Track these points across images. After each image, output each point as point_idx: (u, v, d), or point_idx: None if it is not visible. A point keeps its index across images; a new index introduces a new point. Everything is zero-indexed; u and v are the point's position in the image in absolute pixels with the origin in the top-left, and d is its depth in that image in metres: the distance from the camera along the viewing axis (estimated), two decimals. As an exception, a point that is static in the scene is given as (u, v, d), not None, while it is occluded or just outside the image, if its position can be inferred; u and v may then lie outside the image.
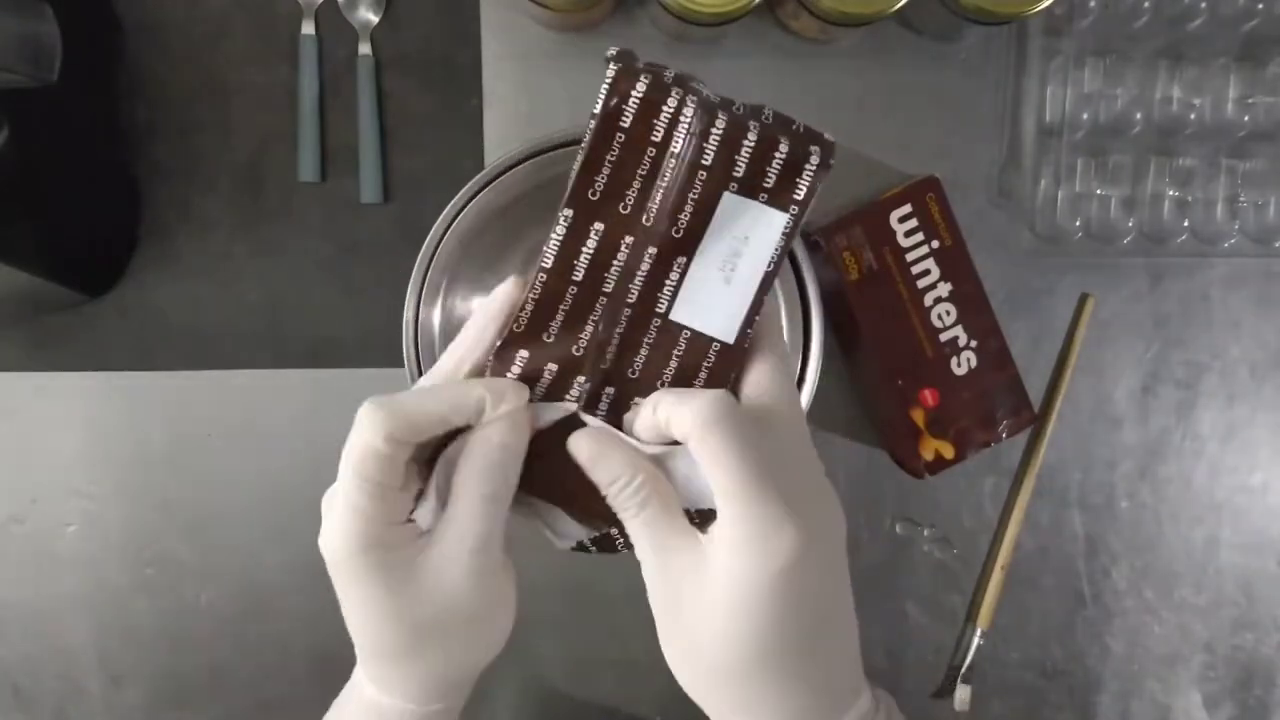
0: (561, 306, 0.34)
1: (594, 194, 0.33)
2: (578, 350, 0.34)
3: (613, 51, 0.33)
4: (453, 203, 0.52)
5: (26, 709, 0.62)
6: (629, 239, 0.33)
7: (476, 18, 0.59)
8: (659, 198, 0.33)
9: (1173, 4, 0.59)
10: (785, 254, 0.34)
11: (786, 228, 0.33)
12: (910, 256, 0.56)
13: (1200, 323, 0.63)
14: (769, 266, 0.34)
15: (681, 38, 0.59)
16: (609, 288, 0.34)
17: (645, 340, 0.34)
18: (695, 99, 0.34)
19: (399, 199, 0.60)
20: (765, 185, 0.33)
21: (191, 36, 0.59)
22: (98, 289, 0.59)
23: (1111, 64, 0.60)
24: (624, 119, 0.33)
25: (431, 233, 0.53)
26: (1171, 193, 0.61)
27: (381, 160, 0.59)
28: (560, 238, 0.33)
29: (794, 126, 0.34)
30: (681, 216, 0.33)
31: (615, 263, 0.34)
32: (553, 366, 0.34)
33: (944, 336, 0.57)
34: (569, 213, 0.33)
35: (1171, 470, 0.64)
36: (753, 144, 0.33)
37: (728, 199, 0.33)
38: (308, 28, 0.58)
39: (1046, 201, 0.61)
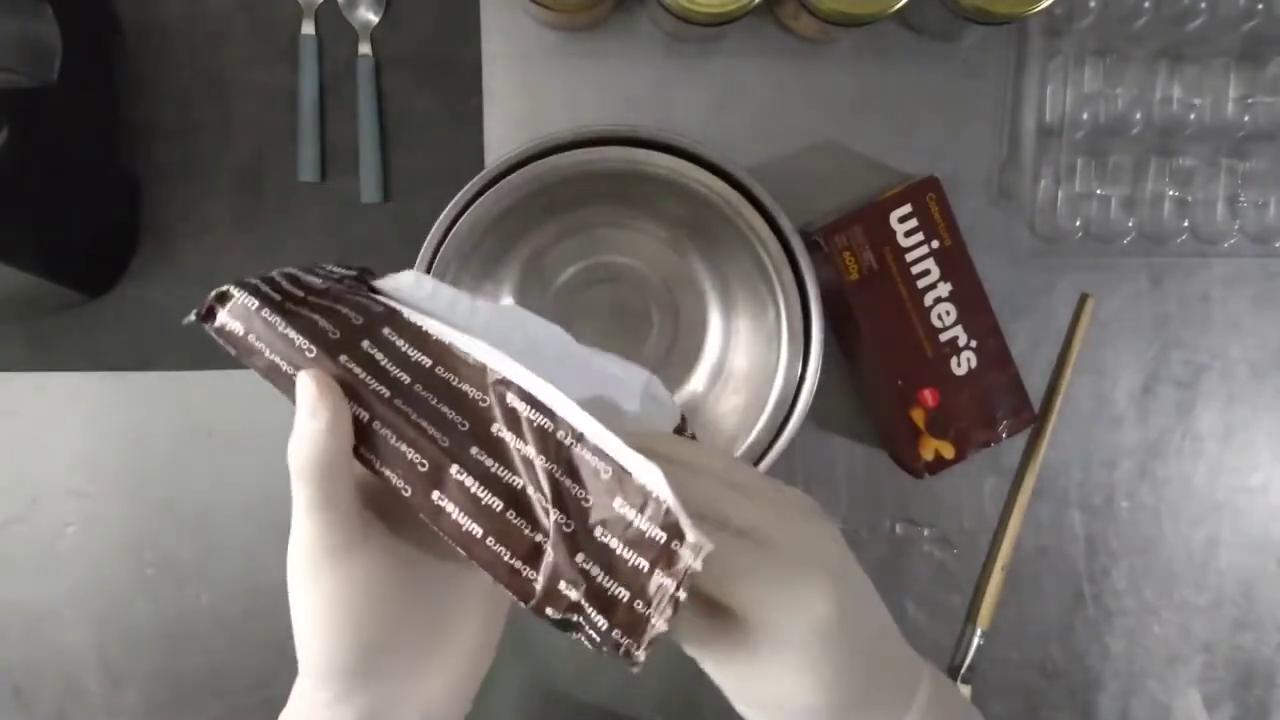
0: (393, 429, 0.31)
1: (334, 334, 0.31)
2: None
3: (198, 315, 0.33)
4: (453, 203, 0.52)
5: (26, 709, 0.62)
6: (365, 342, 0.32)
7: (476, 18, 0.59)
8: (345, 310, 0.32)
9: (1173, 4, 0.59)
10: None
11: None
12: (910, 256, 0.56)
13: (1200, 323, 0.63)
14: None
15: (681, 38, 0.59)
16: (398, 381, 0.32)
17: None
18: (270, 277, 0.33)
19: (399, 199, 0.60)
20: None
21: (191, 37, 0.59)
22: (98, 289, 0.59)
23: (1111, 64, 0.60)
24: (260, 308, 0.32)
25: (431, 233, 0.53)
26: (1171, 193, 0.61)
27: (381, 160, 0.59)
28: (339, 385, 0.31)
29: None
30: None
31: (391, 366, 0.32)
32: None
33: (944, 336, 0.57)
34: (317, 372, 0.31)
35: (1171, 470, 0.64)
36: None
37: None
38: (308, 28, 0.58)
39: (1046, 201, 0.61)
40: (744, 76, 0.60)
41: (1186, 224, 0.61)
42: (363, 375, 0.30)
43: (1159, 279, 0.63)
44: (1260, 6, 0.59)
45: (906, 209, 0.56)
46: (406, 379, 0.31)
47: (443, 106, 0.59)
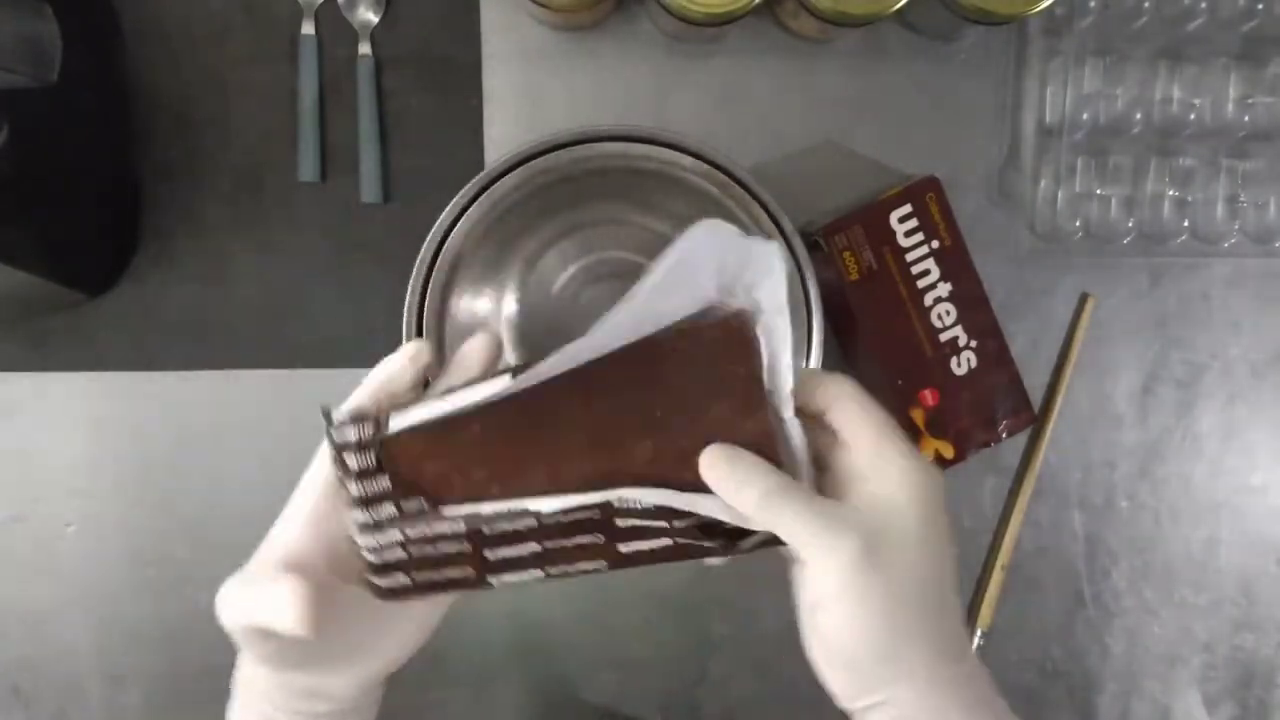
0: None
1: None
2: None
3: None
4: (453, 203, 0.52)
5: (26, 709, 0.62)
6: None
7: (476, 18, 0.59)
8: None
9: (1173, 4, 0.59)
10: None
11: None
12: (910, 256, 0.56)
13: (1200, 323, 0.63)
14: None
15: (681, 38, 0.59)
16: None
17: None
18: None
19: (399, 199, 0.60)
20: None
21: (191, 36, 0.59)
22: (98, 289, 0.59)
23: (1111, 64, 0.60)
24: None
25: (431, 233, 0.53)
26: (1171, 193, 0.61)
27: (381, 160, 0.59)
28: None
29: None
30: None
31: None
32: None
33: (944, 336, 0.57)
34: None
35: (1171, 470, 0.64)
36: None
37: None
38: (308, 28, 0.58)
39: (1046, 201, 0.61)
40: (744, 76, 0.60)
41: (1186, 224, 0.61)
42: None
43: (1159, 279, 0.63)
44: (1260, 6, 0.59)
45: (906, 209, 0.56)
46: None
47: (443, 106, 0.59)
